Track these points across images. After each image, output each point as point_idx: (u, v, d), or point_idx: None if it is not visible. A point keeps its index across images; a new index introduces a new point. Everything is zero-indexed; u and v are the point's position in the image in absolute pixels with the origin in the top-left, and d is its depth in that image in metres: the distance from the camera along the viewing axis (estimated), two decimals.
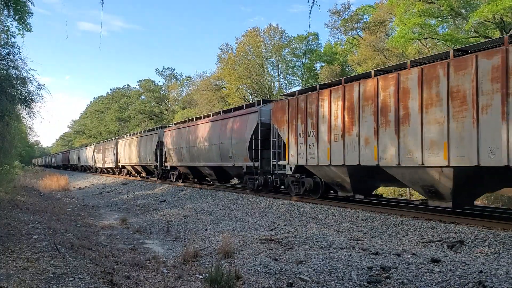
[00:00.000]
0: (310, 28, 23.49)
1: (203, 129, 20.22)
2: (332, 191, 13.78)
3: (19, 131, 17.02)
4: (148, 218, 14.53)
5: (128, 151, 32.85)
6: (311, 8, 6.76)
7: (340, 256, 7.10)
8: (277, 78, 43.62)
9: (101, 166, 43.07)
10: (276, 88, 42.02)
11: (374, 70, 11.14)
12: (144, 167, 30.31)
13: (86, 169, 53.95)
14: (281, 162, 14.60)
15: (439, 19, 24.11)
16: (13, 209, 11.72)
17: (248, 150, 16.04)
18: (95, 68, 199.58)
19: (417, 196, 21.12)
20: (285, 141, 14.20)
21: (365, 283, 5.88)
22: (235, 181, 21.83)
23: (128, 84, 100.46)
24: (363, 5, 38.31)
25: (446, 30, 25.97)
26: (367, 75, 11.40)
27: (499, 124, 7.84)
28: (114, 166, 37.85)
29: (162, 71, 69.23)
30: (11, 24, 12.84)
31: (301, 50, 42.06)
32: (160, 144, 26.12)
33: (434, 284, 5.65)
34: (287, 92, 39.93)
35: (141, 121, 66.31)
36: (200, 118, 22.25)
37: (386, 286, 5.78)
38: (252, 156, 15.87)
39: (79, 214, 14.93)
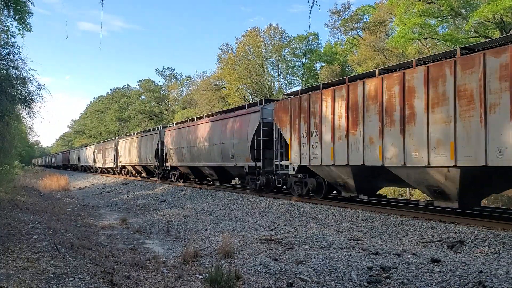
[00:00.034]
0: (310, 28, 23.53)
1: (204, 129, 20.11)
2: (335, 192, 13.68)
3: (19, 131, 17.02)
4: (148, 218, 14.53)
5: (129, 151, 32.76)
6: (311, 8, 6.77)
7: (340, 256, 7.10)
8: (277, 78, 43.66)
9: (101, 166, 43.04)
10: (276, 88, 42.03)
11: (379, 69, 11.02)
12: (144, 167, 30.21)
13: (86, 169, 53.93)
14: (284, 162, 14.49)
15: (439, 19, 24.11)
16: (13, 209, 11.72)
17: (250, 150, 15.94)
18: (95, 68, 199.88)
19: (417, 196, 21.15)
20: (288, 141, 14.08)
21: (365, 283, 5.88)
22: (236, 181, 21.76)
23: (128, 84, 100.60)
24: (363, 5, 38.35)
25: (446, 30, 25.97)
26: (371, 74, 11.27)
27: (507, 123, 7.74)
28: (114, 166, 37.79)
29: (162, 71, 69.30)
30: (11, 24, 12.86)
31: (301, 50, 42.07)
32: (161, 144, 26.02)
33: (434, 284, 5.65)
34: (287, 92, 39.99)
35: (141, 121, 66.31)
36: (201, 117, 22.11)
37: (386, 286, 5.78)
38: (254, 156, 15.77)
39: (79, 214, 14.92)
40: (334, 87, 12.15)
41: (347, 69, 37.49)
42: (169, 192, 21.38)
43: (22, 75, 12.29)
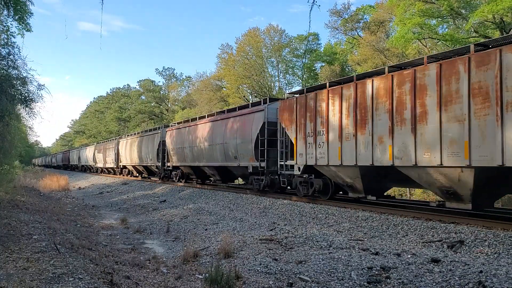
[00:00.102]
0: (310, 28, 23.47)
1: (207, 128, 19.91)
2: (341, 192, 13.48)
3: (19, 131, 17.01)
4: (148, 218, 14.53)
5: (130, 151, 32.62)
6: (311, 8, 6.77)
7: (340, 256, 7.10)
8: (277, 78, 43.65)
9: (102, 166, 42.99)
10: (276, 88, 42.02)
11: (388, 67, 10.79)
12: (146, 167, 30.08)
13: (87, 169, 53.90)
14: (289, 162, 14.26)
15: (439, 19, 24.09)
16: (13, 209, 11.72)
17: (254, 150, 15.74)
18: (95, 68, 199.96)
19: (416, 196, 21.15)
20: (293, 141, 13.83)
21: (365, 283, 5.88)
22: (239, 181, 21.63)
23: (128, 84, 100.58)
24: (363, 5, 38.34)
25: (446, 30, 25.96)
26: (380, 72, 11.06)
27: None
28: (115, 166, 37.69)
29: (162, 71, 69.27)
30: (11, 24, 12.86)
31: (301, 50, 42.05)
32: (162, 144, 25.84)
33: (434, 284, 5.65)
34: (287, 91, 39.99)
35: (141, 121, 66.31)
36: (203, 117, 21.91)
37: (386, 286, 5.78)
38: (258, 156, 15.57)
39: (79, 214, 14.92)
40: (342, 85, 11.90)
41: (347, 69, 37.48)
42: (169, 192, 21.38)
43: (22, 75, 12.30)
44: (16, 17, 12.70)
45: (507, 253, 6.88)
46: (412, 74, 9.66)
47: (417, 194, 21.51)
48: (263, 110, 15.71)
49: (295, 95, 14.28)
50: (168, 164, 25.00)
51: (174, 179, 24.91)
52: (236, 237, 9.31)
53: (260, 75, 41.60)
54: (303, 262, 6.94)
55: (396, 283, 5.81)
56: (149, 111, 66.43)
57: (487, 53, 8.21)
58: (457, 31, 24.52)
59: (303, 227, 10.31)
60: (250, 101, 35.28)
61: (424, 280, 5.80)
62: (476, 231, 7.99)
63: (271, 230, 10.24)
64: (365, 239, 8.68)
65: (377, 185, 11.66)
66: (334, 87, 12.27)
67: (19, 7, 12.40)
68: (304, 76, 42.52)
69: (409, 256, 7.01)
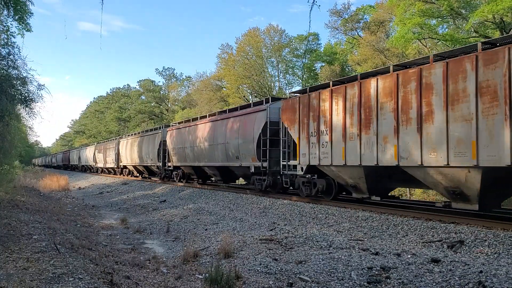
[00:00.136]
0: (310, 28, 23.48)
1: (208, 128, 19.79)
2: (344, 192, 13.36)
3: (19, 131, 17.01)
4: (148, 218, 14.53)
5: (130, 151, 32.52)
6: (311, 8, 6.78)
7: (340, 256, 7.10)
8: (277, 78, 43.66)
9: (102, 166, 42.96)
10: (276, 88, 42.02)
11: (393, 65, 10.66)
12: (146, 167, 29.99)
13: (87, 169, 53.89)
14: (292, 162, 14.06)
15: (439, 19, 24.09)
16: (13, 209, 11.72)
17: (256, 150, 15.61)
18: (95, 68, 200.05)
19: (416, 196, 21.14)
20: (296, 141, 13.68)
21: (365, 283, 5.88)
22: (241, 181, 21.52)
23: (128, 84, 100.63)
24: (363, 5, 38.35)
25: (446, 30, 25.97)
26: (384, 71, 10.96)
27: None
28: (115, 166, 37.63)
29: (162, 71, 69.31)
30: (11, 24, 12.86)
31: (301, 50, 42.06)
32: (163, 143, 25.70)
33: (434, 284, 5.65)
34: (289, 91, 40.00)
35: (141, 121, 66.32)
36: (204, 117, 21.77)
37: (386, 286, 5.78)
38: (260, 156, 15.44)
39: (79, 214, 14.93)
40: (346, 84, 11.77)
41: (347, 69, 37.49)
42: (169, 192, 21.38)
43: (22, 75, 12.30)
44: (16, 17, 12.71)
45: (507, 253, 6.88)
46: (418, 72, 9.52)
47: (417, 194, 21.50)
48: (265, 109, 15.59)
49: (297, 95, 14.11)
50: (169, 164, 24.88)
51: (175, 179, 24.79)
52: (236, 237, 9.31)
53: (260, 75, 41.61)
54: (303, 262, 6.94)
55: (396, 283, 5.81)
56: (149, 111, 66.45)
57: (495, 51, 8.07)
58: (457, 31, 24.53)
59: (303, 227, 10.31)
60: (250, 101, 35.29)
61: (424, 280, 5.80)
62: (476, 231, 7.99)
63: (271, 230, 10.24)
64: (365, 239, 8.69)
65: (382, 185, 11.53)
66: (338, 86, 12.14)
67: (19, 7, 12.40)
68: (304, 76, 42.53)
69: (409, 256, 7.01)
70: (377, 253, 7.30)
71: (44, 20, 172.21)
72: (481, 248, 7.29)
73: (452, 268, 6.10)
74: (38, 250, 6.71)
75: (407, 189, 21.82)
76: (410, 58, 20.91)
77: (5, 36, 12.64)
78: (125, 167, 35.55)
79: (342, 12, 36.39)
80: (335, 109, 12.00)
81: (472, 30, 22.07)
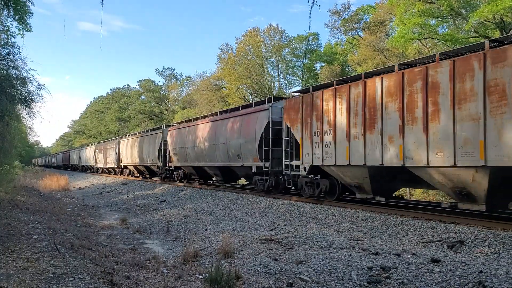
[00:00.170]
0: (310, 28, 23.48)
1: (209, 128, 19.66)
2: (347, 193, 13.24)
3: (19, 131, 17.02)
4: (148, 218, 14.53)
5: (131, 151, 32.41)
6: (311, 8, 6.77)
7: (340, 256, 7.10)
8: (277, 78, 43.66)
9: (102, 166, 42.92)
10: (276, 88, 42.02)
11: (398, 64, 10.53)
12: (147, 168, 29.89)
13: (87, 169, 53.88)
14: (295, 162, 13.93)
15: (439, 19, 24.09)
16: (13, 209, 11.72)
17: (258, 150, 15.47)
18: (95, 68, 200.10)
19: (416, 196, 21.12)
20: (299, 140, 13.54)
21: (365, 283, 5.88)
22: (243, 181, 21.36)
23: (128, 84, 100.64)
24: (363, 5, 38.35)
25: (446, 30, 25.96)
26: (389, 70, 10.84)
27: None
28: (116, 166, 37.57)
29: (162, 71, 69.30)
30: (11, 24, 12.87)
31: (301, 50, 42.06)
32: (164, 143, 25.55)
33: (434, 284, 5.65)
34: (287, 92, 40.01)
35: (141, 121, 66.32)
36: (206, 116, 21.65)
37: (386, 286, 5.78)
38: (263, 156, 15.30)
39: (79, 214, 14.93)
40: (350, 83, 11.63)
41: (347, 69, 37.49)
42: (169, 192, 21.38)
43: (22, 75, 12.31)
44: (16, 17, 12.72)
45: (507, 253, 6.88)
46: (424, 71, 9.38)
47: (417, 194, 21.48)
48: (268, 109, 15.45)
49: (300, 94, 13.99)
50: (170, 164, 24.74)
51: (176, 179, 24.63)
52: (236, 237, 9.31)
53: (260, 75, 41.61)
54: (303, 262, 6.94)
55: (396, 283, 5.81)
56: (149, 111, 66.45)
57: (503, 49, 7.95)
58: (457, 31, 24.52)
59: (303, 227, 10.30)
60: (250, 101, 35.28)
61: (424, 280, 5.80)
62: (476, 231, 7.99)
63: (271, 230, 10.23)
64: (365, 239, 8.68)
65: (386, 185, 11.38)
66: (342, 85, 12.01)
67: (19, 7, 12.41)
68: (304, 76, 42.53)
69: (409, 256, 7.01)
70: (377, 253, 7.30)
71: (44, 20, 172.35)
72: (481, 248, 7.29)
73: (452, 268, 6.10)
74: (38, 250, 6.71)
75: (407, 189, 21.81)
76: (410, 58, 20.91)
77: (5, 36, 12.66)
78: (125, 167, 35.47)
79: (342, 12, 36.38)
80: (339, 109, 11.86)
81: (472, 30, 22.06)
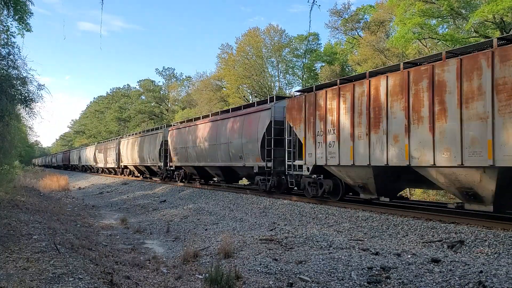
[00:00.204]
0: (310, 28, 23.45)
1: (211, 127, 19.55)
2: (351, 193, 13.13)
3: (19, 131, 17.03)
4: (148, 218, 14.53)
5: (131, 151, 32.30)
6: (311, 8, 6.77)
7: (340, 256, 7.10)
8: (277, 78, 43.66)
9: (102, 166, 42.88)
10: (276, 88, 42.02)
11: (403, 63, 10.43)
12: (147, 168, 29.78)
13: (87, 169, 53.86)
14: (297, 162, 13.75)
15: (439, 19, 24.09)
16: (13, 209, 11.71)
17: (260, 150, 15.36)
18: (95, 68, 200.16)
19: (416, 196, 21.12)
20: (302, 140, 13.40)
21: (365, 283, 5.87)
22: (244, 181, 21.29)
23: (128, 84, 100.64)
24: (363, 5, 38.34)
25: (446, 30, 25.97)
26: (394, 68, 10.71)
27: None
28: (116, 166, 37.49)
29: (162, 71, 69.29)
30: (11, 24, 12.87)
31: (301, 50, 42.05)
32: (164, 143, 25.43)
33: (434, 284, 5.64)
34: (287, 92, 40.02)
35: (141, 121, 66.33)
36: (207, 116, 21.53)
37: (386, 286, 5.78)
38: (265, 156, 15.18)
39: (79, 214, 14.93)
40: (354, 82, 11.52)
41: (347, 69, 37.48)
42: (169, 192, 21.38)
43: (22, 75, 12.31)
44: (16, 17, 12.72)
45: (507, 253, 6.88)
46: (430, 70, 9.24)
47: (417, 194, 21.48)
48: (270, 108, 15.30)
49: (303, 93, 13.88)
50: (171, 164, 24.63)
51: (177, 179, 24.48)
52: (236, 237, 9.30)
53: (260, 75, 41.61)
54: (303, 262, 6.94)
55: (396, 283, 5.81)
56: (149, 111, 66.45)
57: None
58: (457, 31, 24.51)
59: (303, 227, 10.30)
60: (250, 101, 35.27)
61: (424, 280, 5.80)
62: (476, 231, 7.99)
63: (271, 230, 10.23)
64: (365, 239, 8.68)
65: (391, 186, 11.28)
66: (346, 84, 11.90)
67: (19, 7, 12.40)
68: (304, 76, 42.53)
69: (409, 256, 7.01)
70: (377, 253, 7.29)
71: (44, 20, 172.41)
72: (481, 248, 7.29)
73: (452, 268, 6.10)
74: (38, 250, 6.71)
75: (407, 189, 21.80)
76: (410, 58, 20.92)
77: (5, 36, 12.66)
78: (126, 167, 35.39)
79: (342, 12, 36.38)
80: (343, 108, 11.74)
81: (472, 30, 22.06)
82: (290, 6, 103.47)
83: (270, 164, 15.08)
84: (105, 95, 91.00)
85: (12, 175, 17.70)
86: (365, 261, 6.72)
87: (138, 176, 33.08)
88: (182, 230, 11.67)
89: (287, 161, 14.37)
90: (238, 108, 19.04)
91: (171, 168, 24.99)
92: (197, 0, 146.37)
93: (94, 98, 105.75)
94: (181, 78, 68.02)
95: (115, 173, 39.12)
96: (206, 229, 11.20)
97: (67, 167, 68.86)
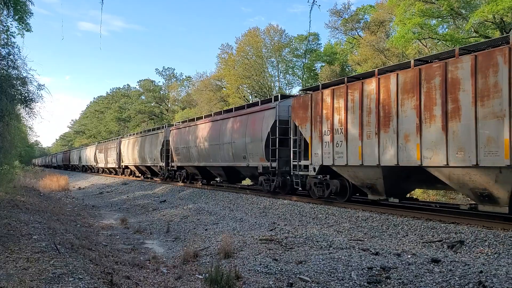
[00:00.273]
0: (310, 28, 23.47)
1: (214, 127, 19.32)
2: (358, 194, 12.84)
3: (19, 131, 17.04)
4: (148, 218, 14.53)
5: (132, 151, 32.12)
6: (311, 8, 6.77)
7: (340, 256, 7.10)
8: (277, 78, 43.68)
9: (103, 166, 42.80)
10: (276, 88, 42.05)
11: (414, 60, 10.15)
12: (148, 168, 29.62)
13: (87, 170, 53.83)
14: (303, 162, 13.46)
15: (439, 19, 24.11)
16: (13, 209, 11.71)
17: (264, 149, 15.07)
18: (95, 68, 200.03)
19: (416, 196, 21.09)
20: (308, 140, 13.14)
21: (365, 283, 5.87)
22: (246, 181, 21.16)
23: (128, 84, 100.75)
24: (363, 5, 38.38)
25: (446, 30, 25.98)
26: (404, 66, 10.47)
27: None
28: (117, 167, 37.36)
29: (162, 71, 69.34)
30: (11, 24, 12.89)
31: (301, 50, 42.09)
32: (166, 143, 25.23)
33: (434, 284, 5.64)
34: (287, 92, 40.02)
35: (141, 121, 66.40)
36: (209, 115, 21.28)
37: (386, 286, 5.78)
38: (269, 156, 14.91)
39: (79, 214, 14.93)
40: (362, 80, 11.28)
41: (347, 69, 37.50)
42: (169, 192, 21.38)
43: (22, 75, 12.34)
44: (16, 17, 12.73)
45: (507, 253, 6.88)
46: (442, 67, 8.96)
47: (417, 194, 21.48)
48: (274, 107, 14.98)
49: (308, 92, 13.67)
50: (172, 164, 24.43)
51: (179, 179, 24.27)
52: (236, 237, 9.30)
53: (260, 75, 41.64)
54: (303, 262, 6.94)
55: (396, 283, 5.81)
56: (149, 111, 66.50)
57: None
58: (457, 31, 24.53)
59: (303, 227, 10.30)
60: (250, 101, 35.27)
61: (424, 280, 5.80)
62: (476, 231, 7.99)
63: (271, 230, 10.23)
64: (365, 239, 8.68)
65: (401, 186, 11.02)
66: (354, 82, 11.65)
67: (19, 7, 12.41)
68: (304, 76, 42.55)
69: (409, 256, 7.01)
70: (377, 253, 7.29)
71: (44, 20, 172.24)
72: (481, 248, 7.29)
73: (452, 268, 6.10)
74: (38, 250, 6.71)
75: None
76: (410, 58, 20.91)
77: (5, 36, 12.67)
78: (126, 167, 35.22)
79: (342, 12, 36.43)
80: (351, 106, 11.48)
81: (472, 30, 22.07)
82: (290, 6, 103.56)
83: (274, 164, 14.82)
84: (105, 95, 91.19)
85: (12, 175, 17.72)
86: (365, 261, 6.72)
87: (139, 176, 32.99)
88: (182, 230, 11.67)
89: (293, 161, 14.08)
90: (242, 107, 18.78)
91: (173, 168, 24.79)
92: (197, 0, 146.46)
93: (94, 98, 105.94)
94: (181, 78, 68.12)
95: (116, 173, 39.05)
96: (206, 229, 11.20)
97: (67, 167, 68.85)
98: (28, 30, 13.24)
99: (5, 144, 12.87)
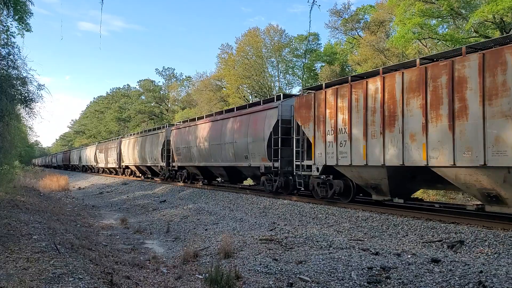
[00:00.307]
0: (310, 28, 23.46)
1: (215, 127, 19.23)
2: (361, 194, 12.79)
3: (19, 131, 17.04)
4: (148, 218, 14.53)
5: (132, 151, 32.04)
6: (311, 8, 6.77)
7: (340, 256, 7.10)
8: (277, 78, 43.68)
9: (103, 166, 42.75)
10: (276, 88, 42.05)
11: (420, 58, 10.01)
12: (149, 168, 29.55)
13: (87, 170, 53.80)
14: (306, 162, 13.31)
15: (439, 19, 24.11)
16: (13, 209, 11.71)
17: (266, 149, 14.96)
18: (95, 68, 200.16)
19: (417, 196, 21.07)
20: (311, 139, 12.99)
21: (365, 283, 5.87)
22: (248, 181, 21.08)
23: (128, 84, 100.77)
24: (363, 5, 38.38)
25: (446, 30, 25.98)
26: (410, 64, 10.35)
27: None
28: (117, 166, 37.29)
29: (162, 71, 69.35)
30: (11, 24, 12.89)
31: (301, 50, 42.08)
32: (167, 143, 25.12)
33: (434, 284, 5.64)
34: (287, 92, 40.00)
35: (141, 121, 66.39)
36: (211, 115, 21.17)
37: (386, 286, 5.78)
38: (272, 156, 14.79)
39: (79, 214, 14.93)
40: (367, 79, 11.14)
41: (347, 69, 37.50)
42: (169, 192, 21.37)
43: (22, 75, 12.35)
44: (16, 17, 12.74)
45: (507, 253, 6.88)
46: (449, 65, 8.84)
47: (417, 194, 21.46)
48: (277, 107, 14.84)
49: (311, 91, 13.56)
50: (173, 164, 24.35)
51: (179, 179, 24.18)
52: (236, 237, 9.30)
53: (260, 75, 41.63)
54: (303, 262, 6.94)
55: (396, 283, 5.81)
56: (149, 111, 66.50)
57: None
58: (457, 31, 24.53)
59: (303, 227, 10.30)
60: (250, 101, 35.26)
61: (424, 280, 5.80)
62: (476, 231, 7.99)
63: (271, 230, 10.23)
64: (365, 239, 8.68)
65: (406, 186, 10.92)
66: (358, 81, 11.53)
67: (19, 7, 12.42)
68: (304, 76, 42.55)
69: (409, 256, 7.01)
70: (377, 253, 7.29)
71: (44, 20, 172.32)
72: (481, 248, 7.29)
73: (452, 268, 6.10)
74: (38, 250, 6.71)
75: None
76: (410, 58, 20.91)
77: (5, 36, 12.67)
78: (127, 167, 35.13)
79: (342, 12, 36.44)
80: (355, 106, 11.36)
81: (472, 30, 22.07)
82: (290, 6, 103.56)
83: (277, 164, 14.70)
84: (105, 95, 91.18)
85: (12, 175, 17.72)
86: (365, 261, 6.72)
87: (139, 176, 32.94)
88: (182, 230, 11.67)
89: (295, 161, 13.95)
90: (243, 107, 18.64)
91: (174, 169, 24.71)
92: (197, 0, 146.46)
93: (94, 98, 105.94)
94: (181, 78, 68.13)
95: (116, 173, 39.01)
96: (206, 229, 11.20)
97: (67, 167, 68.83)
98: (28, 30, 13.26)
99: (5, 144, 12.87)
